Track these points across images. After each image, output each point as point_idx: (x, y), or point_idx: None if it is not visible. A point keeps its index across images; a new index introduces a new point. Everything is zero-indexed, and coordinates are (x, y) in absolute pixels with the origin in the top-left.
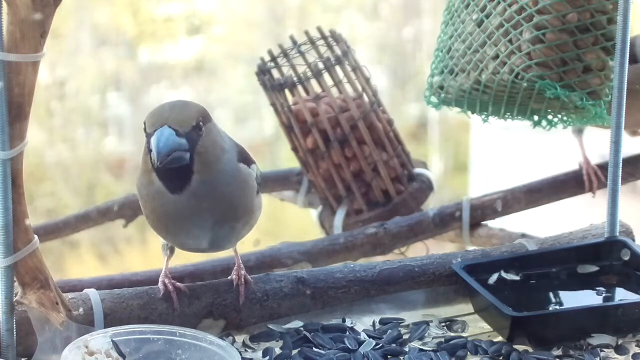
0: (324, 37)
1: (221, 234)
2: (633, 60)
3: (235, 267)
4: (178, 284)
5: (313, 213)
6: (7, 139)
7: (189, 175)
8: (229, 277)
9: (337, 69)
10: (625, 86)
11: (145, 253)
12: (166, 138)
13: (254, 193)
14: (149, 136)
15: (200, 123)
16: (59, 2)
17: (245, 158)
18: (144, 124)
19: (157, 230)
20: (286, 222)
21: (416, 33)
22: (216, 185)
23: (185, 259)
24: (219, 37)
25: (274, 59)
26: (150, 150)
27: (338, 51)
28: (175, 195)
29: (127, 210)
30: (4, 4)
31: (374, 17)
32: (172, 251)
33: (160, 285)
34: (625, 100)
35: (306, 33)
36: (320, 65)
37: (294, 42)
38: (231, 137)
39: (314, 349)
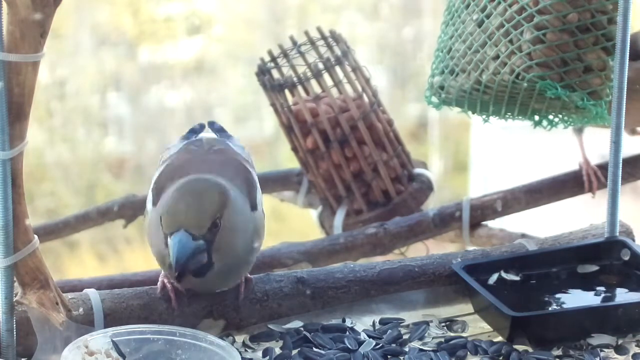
0: (323, 37)
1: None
2: (635, 56)
3: None
4: (176, 284)
5: (313, 213)
6: (7, 139)
7: (209, 267)
8: None
9: (337, 69)
10: (626, 86)
11: (145, 253)
12: (183, 246)
13: (263, 228)
14: (165, 236)
15: (218, 220)
16: (59, 2)
17: (252, 196)
18: (161, 219)
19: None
20: (286, 222)
21: (416, 33)
22: (234, 263)
23: None
24: (219, 37)
25: (273, 59)
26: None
27: (338, 51)
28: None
29: (127, 211)
30: (4, 4)
31: (374, 17)
32: None
33: (159, 284)
34: (625, 100)
35: (306, 33)
36: (320, 66)
37: (294, 43)
38: (237, 166)
39: (314, 349)
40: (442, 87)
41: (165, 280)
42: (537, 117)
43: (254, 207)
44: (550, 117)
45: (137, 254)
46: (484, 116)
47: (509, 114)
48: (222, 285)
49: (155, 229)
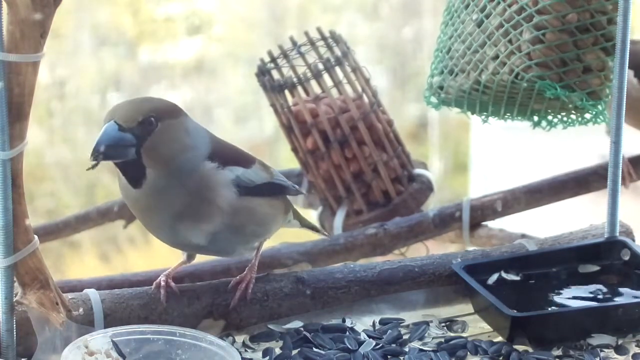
0: (323, 37)
1: (191, 233)
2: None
3: (249, 266)
4: (172, 283)
5: (313, 214)
6: (7, 139)
7: (143, 170)
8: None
9: (337, 69)
10: (626, 86)
11: (146, 253)
12: (105, 131)
13: (225, 194)
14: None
15: (152, 119)
16: (59, 2)
17: (224, 158)
18: None
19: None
20: None
21: (416, 33)
22: (173, 182)
23: None
24: (219, 37)
25: (273, 59)
26: None
27: (338, 52)
28: (137, 190)
29: (127, 211)
30: (4, 4)
31: (374, 17)
32: (189, 258)
33: (155, 282)
34: (625, 100)
35: (306, 34)
36: (320, 66)
37: (294, 43)
38: (212, 135)
39: (314, 349)
40: (441, 87)
41: (163, 278)
42: (536, 118)
43: (217, 160)
44: (550, 117)
45: (138, 254)
46: (483, 116)
47: (508, 114)
48: (180, 225)
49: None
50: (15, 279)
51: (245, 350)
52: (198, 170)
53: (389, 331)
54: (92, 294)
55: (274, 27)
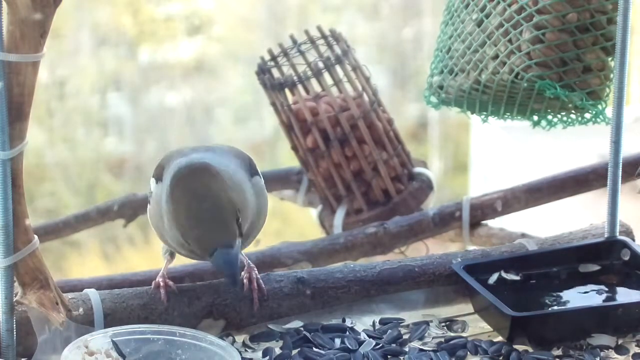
0: (324, 36)
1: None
2: None
3: (245, 268)
4: (170, 282)
5: (313, 212)
6: (7, 139)
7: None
8: (242, 277)
9: (337, 68)
10: (625, 86)
11: (146, 253)
12: (231, 263)
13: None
14: (207, 253)
15: (238, 214)
16: (59, 2)
17: (252, 166)
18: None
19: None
20: (286, 222)
21: (416, 33)
22: (249, 229)
23: (185, 259)
24: (219, 37)
25: (274, 58)
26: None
27: (338, 50)
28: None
29: (127, 210)
30: (4, 4)
31: (374, 17)
32: (172, 255)
33: (154, 283)
34: (624, 100)
35: (306, 32)
36: (320, 65)
37: (294, 42)
38: (235, 149)
39: (314, 349)
40: (441, 87)
41: (160, 280)
42: (536, 117)
43: (254, 173)
44: (550, 117)
45: (138, 254)
46: (482, 116)
47: (508, 113)
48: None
49: (160, 209)
50: (15, 278)
51: (245, 350)
52: (255, 194)
53: (389, 331)
54: (92, 293)
55: (274, 27)
